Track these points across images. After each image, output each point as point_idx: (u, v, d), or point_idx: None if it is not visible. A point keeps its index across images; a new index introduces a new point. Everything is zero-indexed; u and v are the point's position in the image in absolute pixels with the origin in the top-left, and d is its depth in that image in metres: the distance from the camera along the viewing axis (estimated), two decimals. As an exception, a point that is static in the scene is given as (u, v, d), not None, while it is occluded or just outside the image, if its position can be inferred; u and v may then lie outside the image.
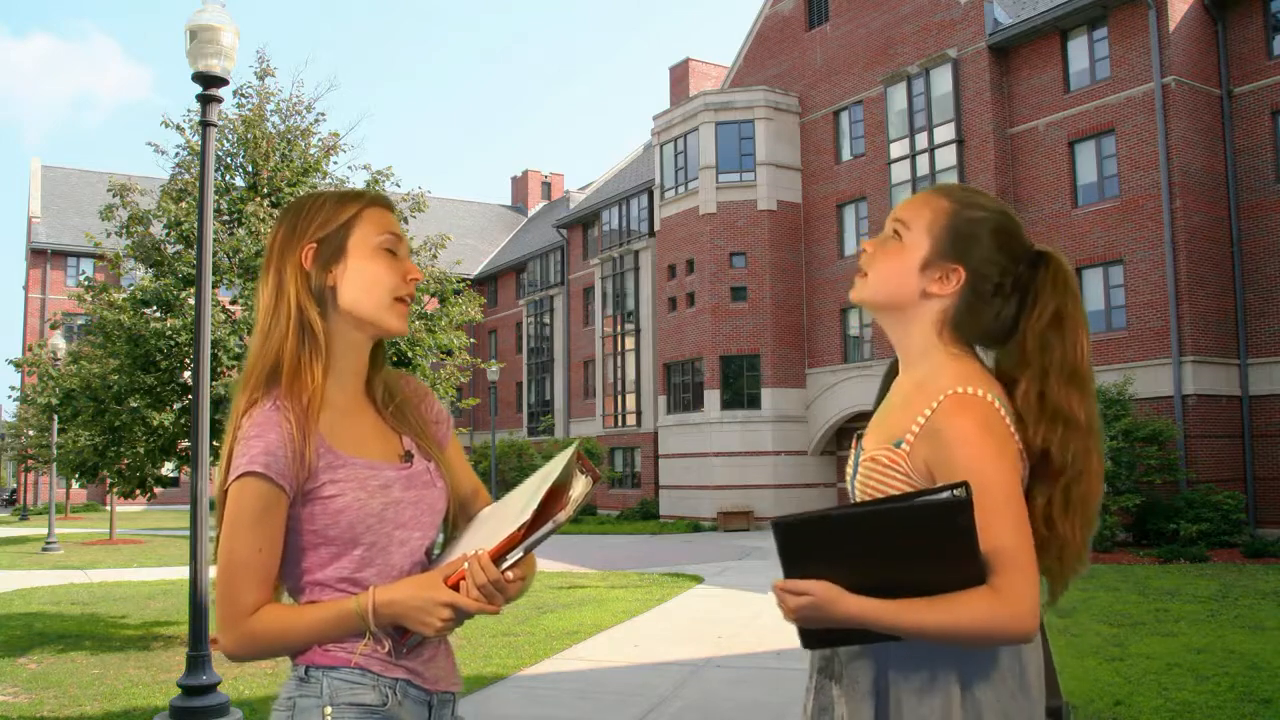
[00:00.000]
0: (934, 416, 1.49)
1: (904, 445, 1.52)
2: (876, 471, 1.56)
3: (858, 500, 1.61)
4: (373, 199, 1.63)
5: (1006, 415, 1.50)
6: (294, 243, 1.57)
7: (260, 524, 1.43)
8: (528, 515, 1.41)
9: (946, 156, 21.29)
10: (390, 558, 1.51)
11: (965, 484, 1.35)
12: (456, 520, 1.65)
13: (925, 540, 1.38)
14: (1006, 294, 1.59)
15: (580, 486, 1.44)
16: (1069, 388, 1.54)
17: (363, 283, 1.56)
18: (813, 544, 1.43)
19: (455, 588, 1.43)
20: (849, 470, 1.69)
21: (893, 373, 1.73)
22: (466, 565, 1.43)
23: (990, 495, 1.41)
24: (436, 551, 1.61)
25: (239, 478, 1.44)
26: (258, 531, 1.43)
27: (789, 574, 1.45)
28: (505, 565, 1.43)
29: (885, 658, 1.52)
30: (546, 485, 1.43)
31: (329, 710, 1.45)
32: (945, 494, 1.35)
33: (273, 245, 1.60)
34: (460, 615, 1.44)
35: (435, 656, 1.57)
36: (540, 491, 1.43)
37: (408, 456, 1.59)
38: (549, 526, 1.42)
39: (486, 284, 42.44)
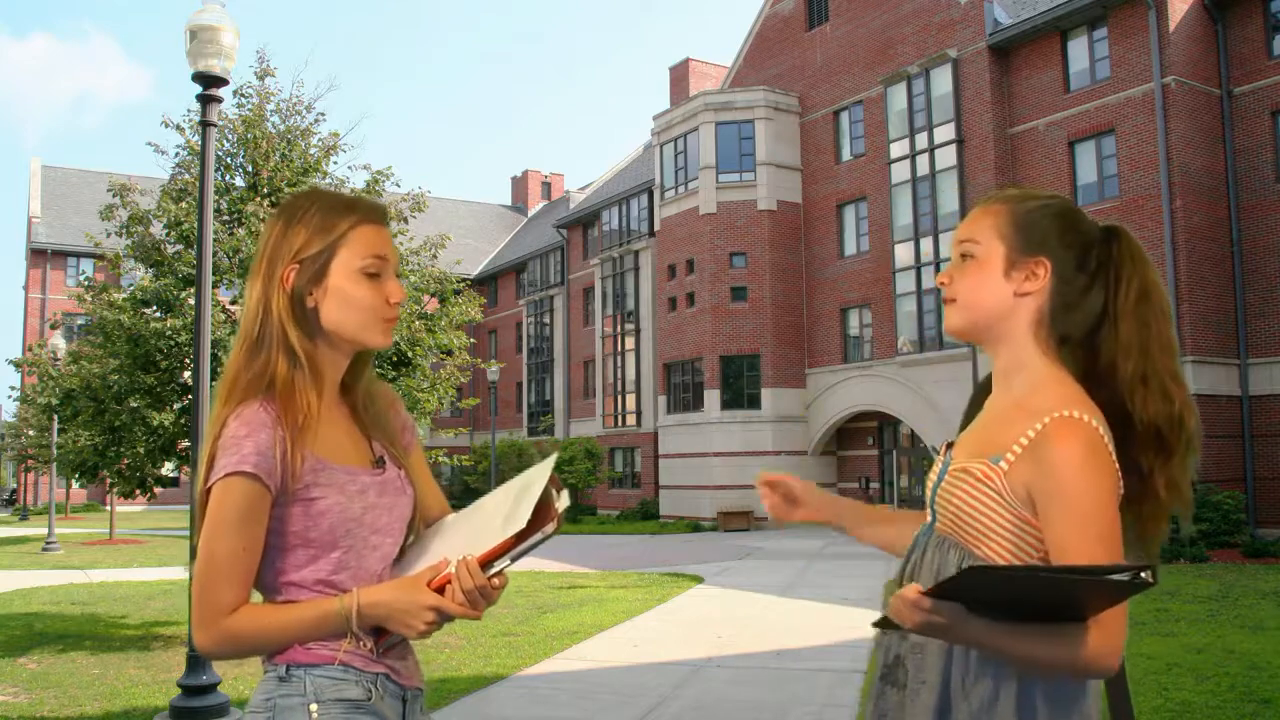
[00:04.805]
0: (1038, 439, 1.46)
1: (1003, 463, 1.49)
2: (967, 483, 1.53)
3: (934, 507, 1.61)
4: (364, 215, 1.59)
5: (1108, 440, 1.47)
6: (281, 254, 1.56)
7: (246, 524, 1.43)
8: (521, 524, 1.41)
9: (946, 156, 21.30)
10: (364, 561, 1.53)
11: (1154, 568, 1.32)
12: (417, 526, 1.66)
13: (1086, 603, 1.38)
14: (1093, 273, 1.56)
15: (564, 500, 1.46)
16: (1171, 360, 1.53)
17: (342, 307, 1.56)
18: (984, 588, 1.39)
19: (439, 591, 1.44)
20: (932, 477, 1.66)
21: (985, 388, 1.69)
22: (453, 569, 1.43)
23: (1092, 525, 1.41)
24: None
25: (227, 476, 1.43)
26: (243, 531, 1.43)
27: (933, 593, 1.37)
28: (492, 571, 1.43)
29: (949, 667, 1.51)
30: (532, 496, 1.43)
31: (314, 707, 1.45)
32: (1133, 575, 1.33)
33: (264, 249, 1.59)
34: (443, 619, 1.45)
35: (407, 654, 1.60)
36: (527, 501, 1.43)
37: (380, 462, 1.60)
38: (538, 537, 1.43)
39: (486, 284, 42.46)
